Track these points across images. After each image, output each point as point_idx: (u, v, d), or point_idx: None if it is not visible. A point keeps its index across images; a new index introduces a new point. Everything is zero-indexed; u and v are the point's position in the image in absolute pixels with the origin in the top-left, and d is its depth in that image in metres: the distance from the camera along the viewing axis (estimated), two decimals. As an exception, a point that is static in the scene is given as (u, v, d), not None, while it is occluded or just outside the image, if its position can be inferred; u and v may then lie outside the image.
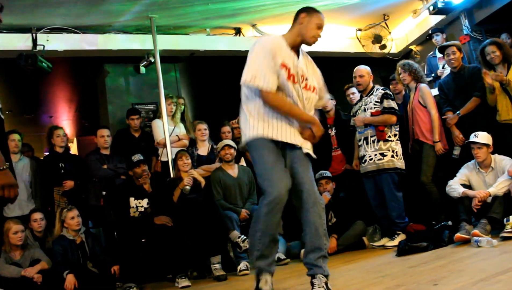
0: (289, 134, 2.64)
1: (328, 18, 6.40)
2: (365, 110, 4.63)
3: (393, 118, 4.50)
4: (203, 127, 5.37)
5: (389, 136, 4.51)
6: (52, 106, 8.88)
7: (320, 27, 2.73)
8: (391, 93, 4.69)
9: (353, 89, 5.35)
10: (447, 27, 6.62)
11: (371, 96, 4.63)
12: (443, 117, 4.76)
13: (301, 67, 2.70)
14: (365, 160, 4.58)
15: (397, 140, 4.55)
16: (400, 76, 4.92)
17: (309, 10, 2.75)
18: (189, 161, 4.79)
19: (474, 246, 3.44)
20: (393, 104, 4.55)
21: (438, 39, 6.17)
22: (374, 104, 4.57)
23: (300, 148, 2.66)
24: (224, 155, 4.93)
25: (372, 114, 4.56)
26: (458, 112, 4.66)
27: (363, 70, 4.68)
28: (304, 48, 2.80)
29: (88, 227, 5.04)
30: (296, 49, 2.74)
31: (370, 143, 4.56)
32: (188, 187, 4.50)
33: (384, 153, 4.47)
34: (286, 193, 2.50)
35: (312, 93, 2.75)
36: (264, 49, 2.59)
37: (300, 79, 2.67)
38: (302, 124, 2.68)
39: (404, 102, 5.26)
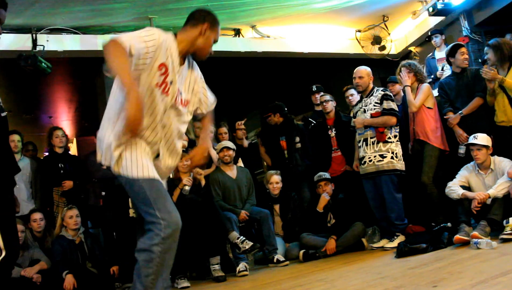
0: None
1: (327, 19, 6.53)
2: (364, 111, 4.62)
3: (393, 120, 4.48)
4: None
5: (389, 138, 4.49)
6: (51, 106, 8.87)
7: (215, 41, 2.38)
8: (391, 94, 4.68)
9: (352, 91, 5.35)
10: (447, 29, 6.62)
11: (371, 97, 4.61)
12: (444, 117, 4.75)
13: (183, 78, 2.33)
14: (365, 162, 4.57)
15: (397, 141, 4.53)
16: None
17: (213, 21, 2.37)
18: (189, 162, 4.78)
19: (473, 248, 3.43)
20: (393, 105, 4.54)
21: (438, 40, 6.17)
22: (374, 105, 4.55)
23: None
24: (223, 157, 4.94)
25: (372, 116, 4.54)
26: (460, 111, 4.64)
27: (363, 71, 4.67)
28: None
29: (88, 227, 5.04)
30: (184, 56, 2.33)
31: (370, 145, 4.54)
32: (187, 188, 4.50)
33: (384, 155, 4.46)
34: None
35: (183, 107, 2.35)
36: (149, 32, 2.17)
37: (174, 92, 2.24)
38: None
39: (403, 103, 5.26)
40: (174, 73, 2.23)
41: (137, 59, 2.06)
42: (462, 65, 4.73)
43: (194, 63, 2.44)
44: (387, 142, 4.48)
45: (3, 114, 2.07)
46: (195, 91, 2.44)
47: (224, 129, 5.52)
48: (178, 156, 2.40)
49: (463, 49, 4.76)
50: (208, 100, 2.57)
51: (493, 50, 4.41)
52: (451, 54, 4.77)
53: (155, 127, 2.21)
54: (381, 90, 4.61)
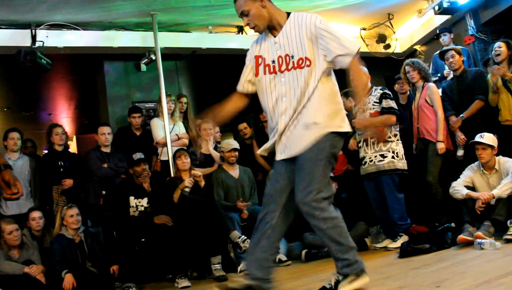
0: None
1: (332, 17, 6.49)
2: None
3: (393, 118, 4.40)
4: (208, 126, 5.28)
5: (389, 137, 4.43)
6: (51, 103, 8.85)
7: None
8: (389, 92, 4.57)
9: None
10: (452, 27, 6.58)
11: (369, 97, 4.52)
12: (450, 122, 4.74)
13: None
14: (365, 162, 4.50)
15: (397, 140, 4.46)
16: (408, 74, 4.84)
17: None
18: (188, 160, 4.74)
19: (477, 248, 3.42)
20: (392, 104, 4.44)
21: (446, 39, 6.10)
22: (373, 105, 4.46)
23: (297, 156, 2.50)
24: (229, 157, 4.91)
25: (371, 115, 4.47)
26: (461, 115, 4.66)
27: None
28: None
29: (87, 226, 5.00)
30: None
31: (370, 145, 4.47)
32: (187, 189, 4.47)
33: (385, 155, 4.38)
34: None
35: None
36: None
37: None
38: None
39: (408, 102, 5.21)
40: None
41: None
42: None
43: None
44: (388, 141, 4.41)
45: None
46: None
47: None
48: None
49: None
50: None
51: (507, 46, 4.44)
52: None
53: None
54: (380, 89, 4.53)
